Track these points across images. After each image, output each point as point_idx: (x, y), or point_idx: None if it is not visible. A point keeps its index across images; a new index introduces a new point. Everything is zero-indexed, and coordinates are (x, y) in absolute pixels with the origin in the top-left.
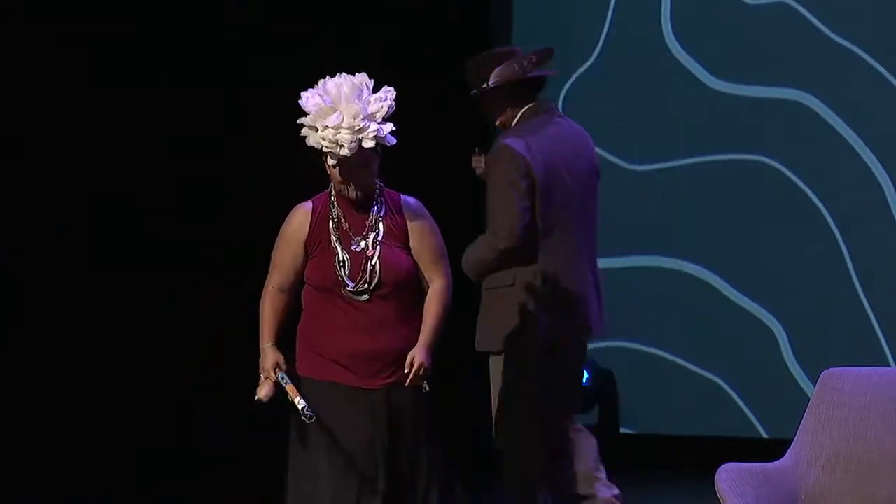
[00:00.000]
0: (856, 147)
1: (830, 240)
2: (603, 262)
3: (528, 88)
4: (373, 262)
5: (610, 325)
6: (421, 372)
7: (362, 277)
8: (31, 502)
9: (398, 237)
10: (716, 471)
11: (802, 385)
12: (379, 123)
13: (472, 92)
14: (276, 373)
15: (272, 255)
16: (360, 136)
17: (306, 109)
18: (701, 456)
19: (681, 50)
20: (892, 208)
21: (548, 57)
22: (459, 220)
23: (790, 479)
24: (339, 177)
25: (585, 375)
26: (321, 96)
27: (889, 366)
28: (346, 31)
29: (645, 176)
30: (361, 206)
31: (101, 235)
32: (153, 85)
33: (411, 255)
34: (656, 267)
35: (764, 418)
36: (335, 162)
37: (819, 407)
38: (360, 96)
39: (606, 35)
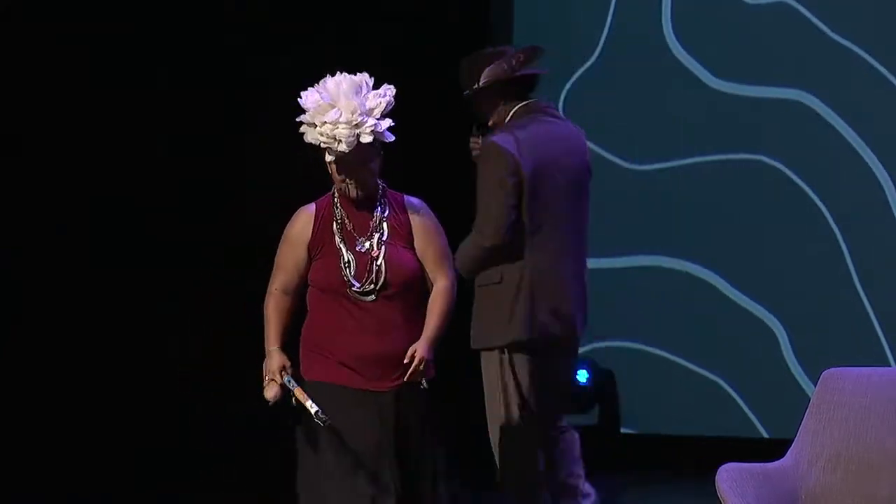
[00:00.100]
0: (856, 147)
1: (831, 239)
2: (603, 262)
3: (518, 87)
4: (378, 263)
5: (608, 325)
6: (421, 366)
7: (368, 278)
8: (31, 502)
9: (403, 237)
10: (716, 471)
11: (803, 385)
12: (377, 119)
13: (465, 93)
14: (282, 376)
15: (276, 257)
16: (357, 131)
17: (305, 107)
18: (701, 456)
19: (681, 50)
20: (893, 208)
21: (536, 55)
22: (459, 220)
23: (791, 479)
24: (339, 175)
25: (586, 375)
26: (320, 94)
27: (889, 366)
28: (346, 31)
29: (646, 176)
30: (365, 206)
31: (101, 235)
32: (153, 85)
33: (416, 255)
34: (657, 267)
35: (764, 418)
36: (333, 158)
37: (820, 407)
38: (358, 93)
39: (607, 35)
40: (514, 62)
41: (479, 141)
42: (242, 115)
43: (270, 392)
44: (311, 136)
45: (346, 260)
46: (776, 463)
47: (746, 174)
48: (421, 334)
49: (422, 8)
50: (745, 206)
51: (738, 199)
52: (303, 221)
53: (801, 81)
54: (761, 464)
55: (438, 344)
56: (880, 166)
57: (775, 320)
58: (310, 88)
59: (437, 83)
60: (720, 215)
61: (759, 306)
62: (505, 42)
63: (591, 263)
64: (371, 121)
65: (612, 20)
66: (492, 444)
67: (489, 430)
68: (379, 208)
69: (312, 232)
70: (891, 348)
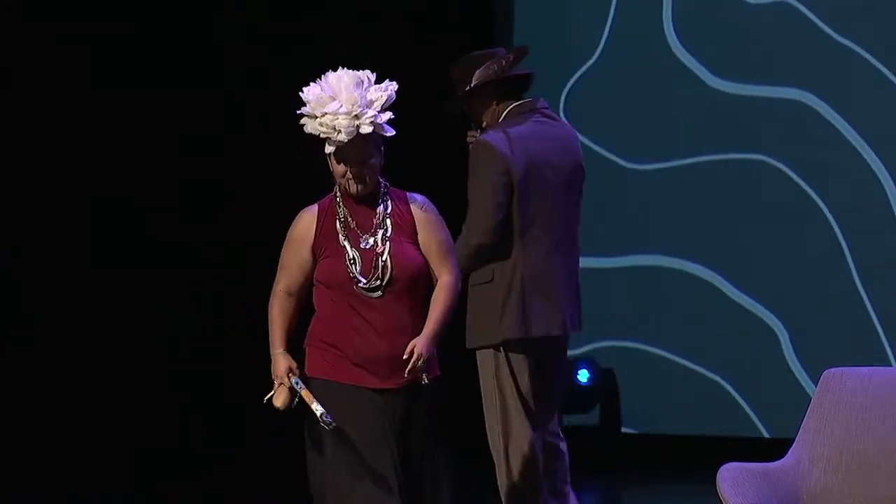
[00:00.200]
0: (857, 146)
1: (832, 239)
2: (604, 262)
3: (511, 87)
4: (383, 258)
5: (609, 325)
6: (419, 362)
7: (374, 274)
8: (31, 502)
9: (407, 233)
10: (717, 470)
11: (804, 384)
12: (377, 112)
13: (458, 94)
14: (289, 378)
15: (280, 259)
16: (357, 122)
17: (306, 100)
18: (702, 455)
19: (682, 49)
20: (894, 207)
21: (524, 55)
22: (459, 220)
23: (792, 478)
24: (339, 170)
25: (586, 375)
26: (322, 87)
27: (890, 365)
28: (346, 31)
29: (646, 175)
30: (367, 204)
31: (101, 235)
32: (153, 85)
33: (421, 251)
34: (657, 266)
35: (765, 418)
36: (333, 149)
37: (820, 406)
38: (359, 86)
39: (608, 35)
40: (504, 63)
41: (477, 134)
42: (242, 115)
43: (280, 399)
44: (310, 126)
45: (350, 257)
46: (777, 462)
47: (747, 174)
48: None
49: (422, 8)
50: (746, 206)
51: (738, 198)
52: (305, 222)
53: (802, 81)
54: (762, 463)
55: (441, 339)
56: (881, 166)
57: (776, 320)
58: (311, 83)
59: (437, 83)
60: (720, 215)
61: (759, 306)
62: (506, 42)
63: (592, 263)
64: (371, 112)
65: (612, 20)
66: (490, 444)
67: (487, 430)
68: (381, 205)
69: (315, 232)
70: (891, 348)
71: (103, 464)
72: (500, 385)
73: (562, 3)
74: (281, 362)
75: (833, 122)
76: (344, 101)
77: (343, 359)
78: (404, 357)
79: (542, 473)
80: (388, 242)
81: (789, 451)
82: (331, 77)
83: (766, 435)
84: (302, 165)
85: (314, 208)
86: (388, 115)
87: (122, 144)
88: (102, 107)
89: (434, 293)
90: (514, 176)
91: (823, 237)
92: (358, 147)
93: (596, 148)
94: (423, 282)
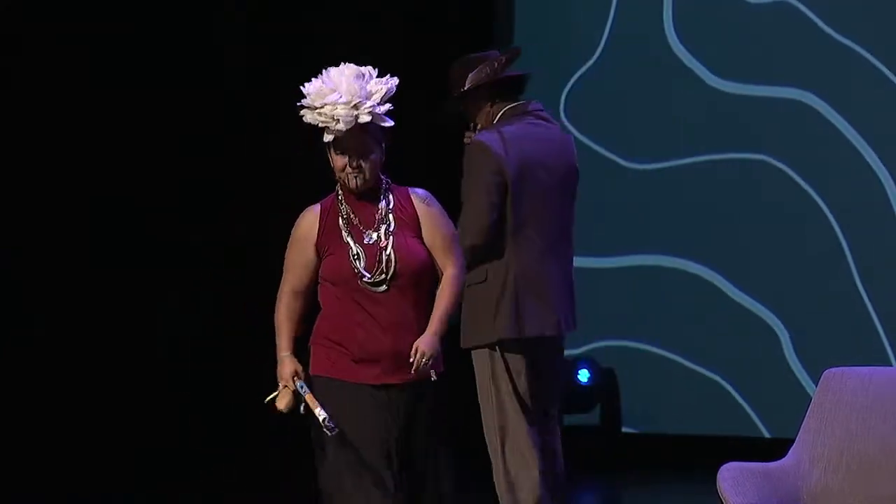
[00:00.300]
0: (858, 146)
1: (832, 239)
2: (604, 262)
3: (504, 89)
4: (387, 253)
5: (609, 324)
6: (424, 360)
7: (378, 268)
8: (31, 502)
9: (410, 227)
10: (717, 470)
11: (804, 384)
12: (376, 103)
13: (453, 97)
14: (294, 381)
15: (284, 260)
16: (355, 112)
17: (307, 93)
18: (702, 455)
19: (682, 49)
20: (894, 207)
21: (516, 57)
22: (457, 220)
23: (792, 478)
24: (339, 163)
25: (587, 374)
26: (323, 81)
27: (891, 365)
28: (346, 31)
29: (647, 175)
30: (370, 201)
31: (101, 235)
32: (153, 85)
33: (425, 245)
34: (658, 266)
35: (766, 418)
36: (332, 138)
37: (821, 406)
38: (360, 78)
39: (608, 34)
40: (496, 65)
41: (473, 135)
42: (242, 115)
43: (283, 402)
44: (309, 117)
45: (354, 253)
46: (777, 462)
47: (747, 173)
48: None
49: (422, 8)
50: (746, 206)
51: (738, 198)
52: (308, 221)
53: (803, 81)
54: (762, 463)
55: (447, 335)
56: (881, 165)
57: (776, 320)
58: (314, 79)
59: (437, 83)
60: (721, 214)
61: (760, 306)
62: (506, 42)
63: (593, 263)
64: (369, 103)
65: (613, 20)
66: (487, 444)
67: (484, 430)
68: (384, 201)
69: (319, 230)
70: (892, 347)
71: (103, 464)
72: (496, 385)
73: (562, 3)
74: (287, 365)
75: (833, 121)
76: (344, 92)
77: (346, 356)
78: (411, 360)
79: (540, 473)
80: (391, 237)
81: (790, 451)
82: (332, 71)
83: (766, 435)
84: (302, 165)
85: (316, 207)
86: (388, 106)
87: (122, 144)
88: (102, 107)
89: (439, 288)
90: (508, 176)
91: (824, 237)
92: (357, 138)
93: (596, 148)
94: (427, 276)
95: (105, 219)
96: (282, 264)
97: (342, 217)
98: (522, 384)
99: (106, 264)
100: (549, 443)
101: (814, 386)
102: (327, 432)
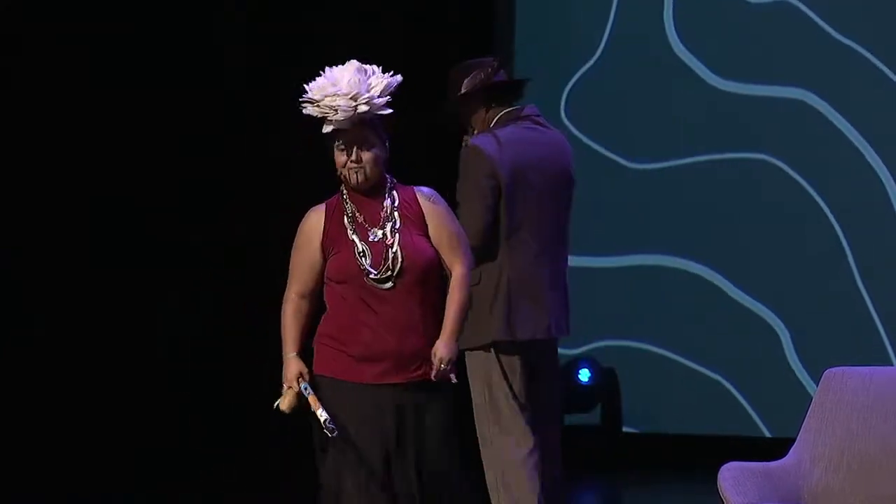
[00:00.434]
0: (858, 146)
1: (833, 239)
2: (605, 262)
3: (500, 94)
4: (394, 250)
5: (610, 324)
6: (443, 366)
7: (384, 265)
8: (31, 502)
9: (417, 225)
10: (718, 470)
11: (805, 384)
12: (377, 96)
13: (450, 102)
14: (299, 383)
15: (290, 261)
16: (354, 103)
17: (309, 89)
18: (703, 455)
19: (683, 49)
20: (894, 207)
21: (506, 62)
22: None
23: (793, 478)
24: (341, 160)
25: (587, 374)
26: (326, 77)
27: (891, 364)
28: (346, 31)
29: (647, 175)
30: (375, 199)
31: (101, 235)
32: (153, 85)
33: (431, 243)
34: (658, 266)
35: (766, 417)
36: (330, 129)
37: (822, 406)
38: (360, 72)
39: (609, 34)
40: (490, 70)
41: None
42: (242, 115)
43: (286, 402)
44: (310, 108)
45: (360, 250)
46: (778, 462)
47: (748, 173)
48: (439, 327)
49: (422, 8)
50: (747, 205)
51: (739, 197)
52: (313, 221)
53: (803, 80)
54: (763, 463)
55: (459, 335)
56: (882, 165)
57: (777, 319)
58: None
59: (437, 83)
60: (722, 214)
61: (760, 305)
62: (507, 43)
63: (593, 262)
64: (368, 94)
65: (613, 19)
66: (480, 445)
67: (478, 433)
68: (389, 199)
69: (324, 229)
70: (892, 347)
71: (103, 464)
72: (492, 387)
73: (562, 3)
74: (292, 366)
75: (834, 121)
76: (344, 85)
77: (350, 356)
78: (433, 374)
79: (537, 476)
80: (397, 234)
81: (790, 451)
82: (336, 69)
83: (767, 434)
84: (302, 165)
85: (321, 207)
86: (387, 99)
87: (122, 144)
88: (102, 107)
89: (450, 289)
90: (502, 179)
91: (824, 236)
92: (357, 132)
93: (596, 147)
94: (434, 273)
95: (105, 219)
96: (282, 264)
97: (347, 216)
98: (518, 386)
99: (106, 264)
100: (547, 445)
101: (814, 385)
102: (329, 433)
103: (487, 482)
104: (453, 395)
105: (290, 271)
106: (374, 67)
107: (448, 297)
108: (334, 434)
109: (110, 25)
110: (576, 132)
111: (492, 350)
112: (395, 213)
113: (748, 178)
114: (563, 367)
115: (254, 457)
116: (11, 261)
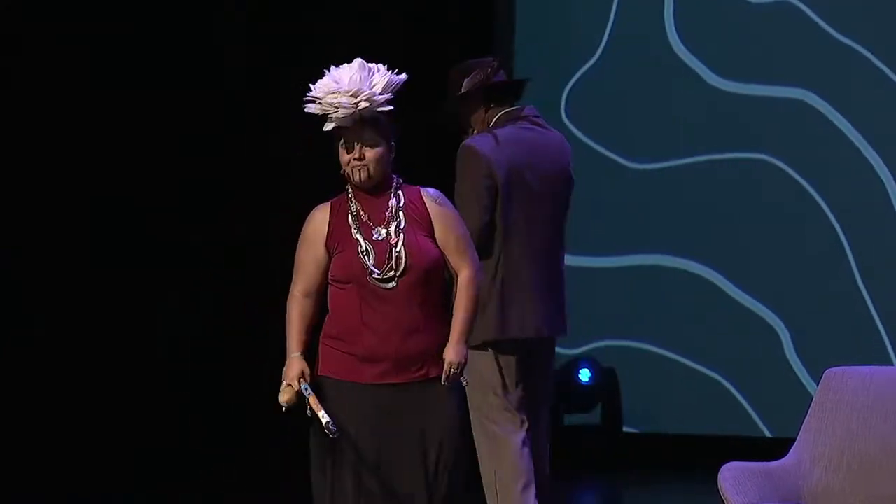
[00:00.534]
0: (859, 146)
1: (833, 238)
2: (605, 261)
3: (499, 94)
4: (398, 249)
5: (610, 324)
6: (453, 370)
7: (388, 264)
8: (31, 502)
9: (422, 226)
10: (718, 470)
11: (805, 384)
12: (378, 93)
13: (450, 103)
14: (300, 383)
15: (295, 260)
16: (355, 99)
17: (314, 88)
18: (703, 455)
19: (683, 49)
20: (895, 206)
21: (505, 63)
22: None
23: (793, 478)
24: (345, 158)
25: (588, 374)
26: (330, 77)
27: (892, 364)
28: (346, 31)
29: (647, 175)
30: (380, 198)
31: (101, 235)
32: (153, 85)
33: (437, 244)
34: (658, 266)
35: (767, 417)
36: (332, 126)
37: (822, 406)
38: (364, 69)
39: (609, 34)
40: (489, 71)
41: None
42: (242, 115)
43: (285, 396)
44: (312, 107)
45: (363, 249)
46: (778, 462)
47: (748, 173)
48: (445, 326)
49: (422, 8)
50: (747, 205)
51: (739, 197)
52: (318, 220)
53: (804, 80)
54: (763, 463)
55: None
56: (882, 165)
57: (777, 319)
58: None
59: (437, 83)
60: (721, 214)
61: (761, 305)
62: (507, 43)
63: (593, 262)
64: (369, 91)
65: (614, 19)
66: (476, 444)
67: (472, 430)
68: (394, 199)
69: (329, 228)
70: (893, 347)
71: (103, 464)
72: (486, 386)
73: (562, 3)
74: (294, 366)
75: (834, 121)
76: (346, 83)
77: (353, 356)
78: (443, 380)
79: (531, 473)
80: (401, 234)
81: (790, 451)
82: (341, 67)
83: (767, 434)
84: (302, 165)
85: (326, 206)
86: (388, 96)
87: (122, 144)
88: (102, 107)
89: (458, 292)
90: (498, 179)
91: (824, 236)
92: (361, 130)
93: (596, 148)
94: (437, 274)
95: (105, 219)
96: (282, 264)
97: (351, 214)
98: (511, 385)
99: (106, 264)
100: (537, 443)
101: (815, 385)
102: (329, 434)
103: (483, 480)
104: (457, 395)
105: (295, 269)
106: (380, 66)
107: (456, 300)
108: (335, 435)
109: (110, 25)
110: (576, 132)
111: (487, 349)
112: (401, 213)
113: (748, 178)
114: (564, 367)
115: (254, 457)
116: (11, 261)
